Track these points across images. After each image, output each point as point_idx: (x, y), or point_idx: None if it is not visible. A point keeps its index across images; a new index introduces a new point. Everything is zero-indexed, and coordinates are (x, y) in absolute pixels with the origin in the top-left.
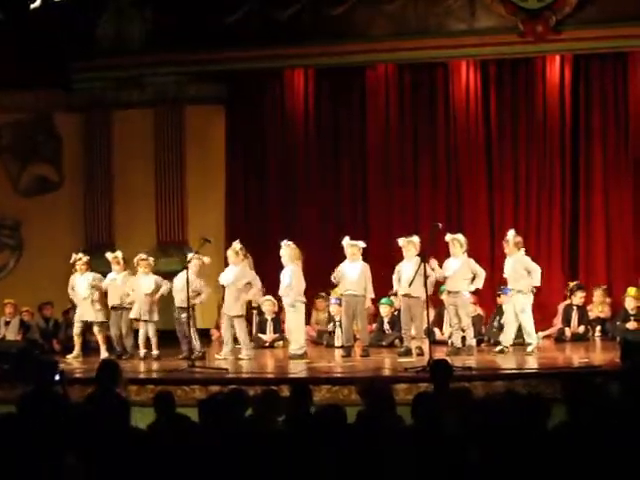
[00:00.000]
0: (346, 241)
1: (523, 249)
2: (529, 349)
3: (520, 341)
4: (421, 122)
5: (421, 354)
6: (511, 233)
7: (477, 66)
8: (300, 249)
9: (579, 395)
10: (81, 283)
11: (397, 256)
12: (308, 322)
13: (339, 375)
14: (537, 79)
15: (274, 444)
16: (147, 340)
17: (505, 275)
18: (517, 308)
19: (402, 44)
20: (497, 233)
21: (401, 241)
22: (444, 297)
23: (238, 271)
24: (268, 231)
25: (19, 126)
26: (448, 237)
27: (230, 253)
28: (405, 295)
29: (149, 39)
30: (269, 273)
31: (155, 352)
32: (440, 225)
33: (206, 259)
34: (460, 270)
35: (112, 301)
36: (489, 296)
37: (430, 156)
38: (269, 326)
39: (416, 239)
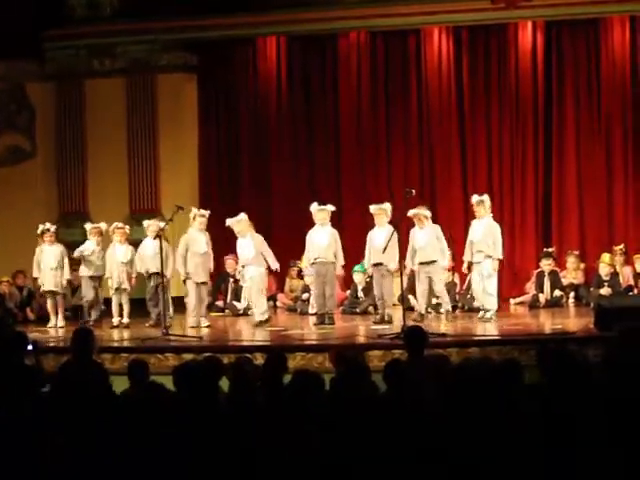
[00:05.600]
0: (314, 207)
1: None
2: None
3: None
4: (394, 89)
5: (390, 321)
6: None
7: (449, 33)
8: (273, 216)
9: (553, 361)
10: (49, 254)
11: (370, 223)
12: (282, 290)
13: (313, 342)
14: (509, 45)
15: (251, 411)
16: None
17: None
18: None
19: (374, 11)
20: (470, 200)
21: (373, 208)
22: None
23: (208, 238)
24: (241, 198)
25: None
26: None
27: (203, 220)
28: (376, 264)
29: (121, 7)
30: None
31: (126, 320)
32: (413, 191)
33: (161, 223)
34: (431, 241)
35: (90, 271)
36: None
37: (403, 122)
38: (244, 294)
39: (388, 206)
